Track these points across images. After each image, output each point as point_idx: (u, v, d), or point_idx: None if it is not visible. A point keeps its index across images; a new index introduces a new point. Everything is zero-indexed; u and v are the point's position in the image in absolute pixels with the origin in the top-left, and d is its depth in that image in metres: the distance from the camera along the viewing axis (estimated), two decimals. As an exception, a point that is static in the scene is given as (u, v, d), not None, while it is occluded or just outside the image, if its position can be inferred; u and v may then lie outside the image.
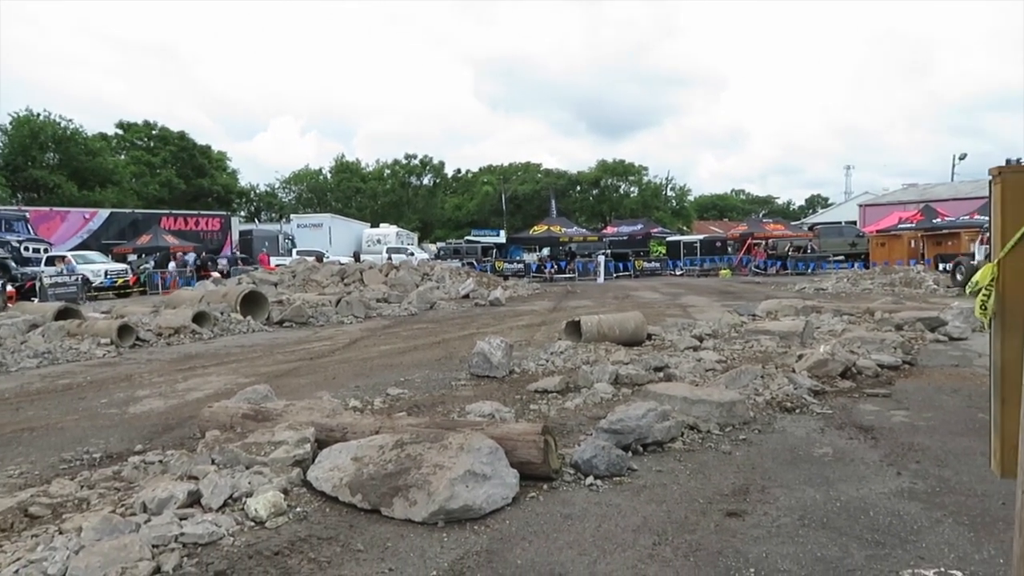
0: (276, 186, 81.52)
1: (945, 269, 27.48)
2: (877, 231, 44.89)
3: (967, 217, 38.73)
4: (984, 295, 2.23)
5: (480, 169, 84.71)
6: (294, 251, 46.09)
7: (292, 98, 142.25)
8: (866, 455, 5.61)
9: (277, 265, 35.35)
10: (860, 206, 63.08)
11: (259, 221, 70.36)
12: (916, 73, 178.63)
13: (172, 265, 35.07)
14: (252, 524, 4.28)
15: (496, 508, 4.48)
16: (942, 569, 3.63)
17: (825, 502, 4.61)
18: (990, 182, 2.17)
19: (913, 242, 38.46)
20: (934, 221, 40.28)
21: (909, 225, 41.90)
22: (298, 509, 4.53)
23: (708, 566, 3.72)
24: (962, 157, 70.80)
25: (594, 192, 79.23)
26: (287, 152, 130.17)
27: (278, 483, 4.76)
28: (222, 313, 16.31)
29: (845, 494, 4.74)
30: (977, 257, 23.78)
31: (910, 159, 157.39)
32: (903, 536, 4.06)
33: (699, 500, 4.69)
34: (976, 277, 2.23)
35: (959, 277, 23.75)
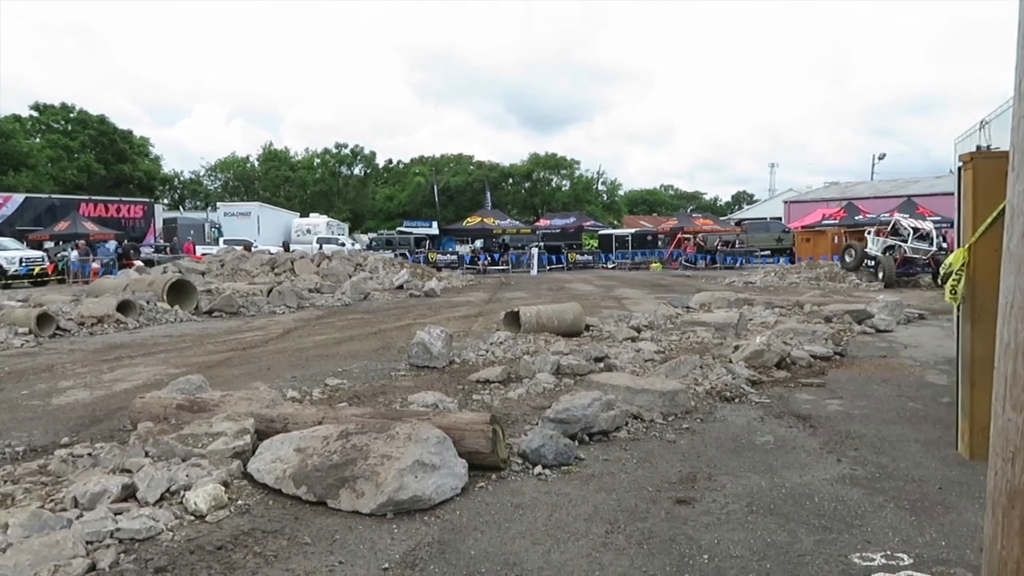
0: (201, 173, 79.51)
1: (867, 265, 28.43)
2: (802, 227, 46.09)
3: (887, 215, 40.07)
4: (954, 280, 2.25)
5: (412, 160, 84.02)
6: (221, 240, 44.97)
7: (217, 84, 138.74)
8: (806, 443, 5.72)
9: (204, 254, 34.41)
10: (785, 203, 64.64)
11: (184, 209, 68.49)
12: (837, 75, 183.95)
13: (75, 254, 32.43)
14: (192, 518, 4.11)
15: (446, 498, 4.41)
16: (888, 552, 3.71)
17: (771, 489, 4.67)
18: (959, 168, 2.19)
19: (836, 238, 39.54)
20: (856, 218, 41.60)
21: (832, 221, 43.17)
22: (240, 502, 4.38)
23: (662, 553, 3.72)
24: (881, 157, 73.59)
25: (526, 185, 79.39)
26: (212, 139, 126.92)
27: (218, 476, 4.59)
28: (148, 302, 15.79)
29: (789, 481, 4.81)
30: (871, 249, 25.57)
31: (831, 158, 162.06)
32: (848, 521, 4.14)
33: (648, 488, 4.70)
34: (948, 260, 2.25)
35: (848, 260, 26.53)
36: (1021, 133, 1.78)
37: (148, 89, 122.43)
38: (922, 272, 24.38)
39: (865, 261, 25.91)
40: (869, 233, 27.25)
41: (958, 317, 2.28)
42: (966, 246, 2.20)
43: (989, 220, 2.15)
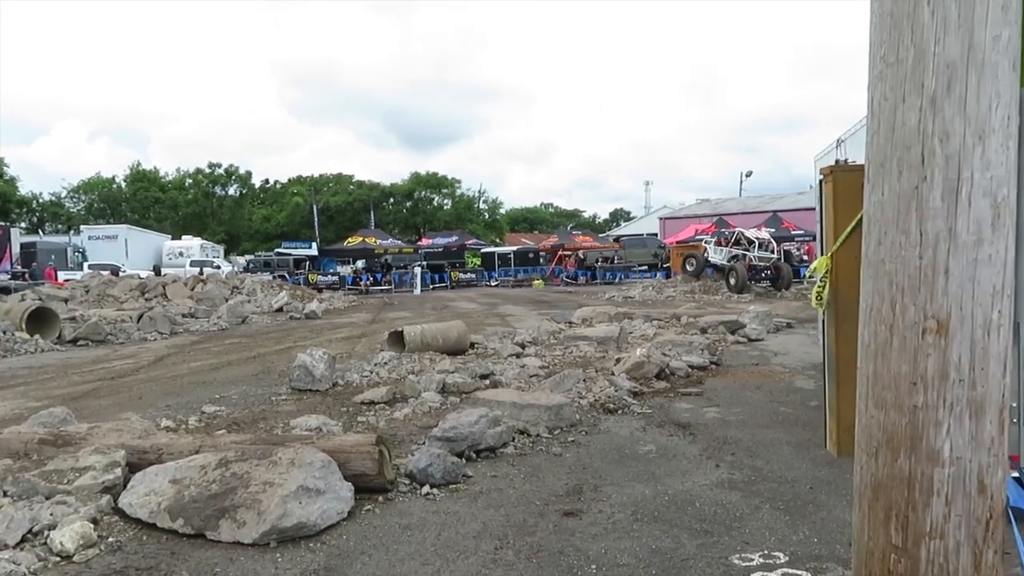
0: (63, 195, 75.31)
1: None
2: (677, 242, 47.67)
3: (755, 229, 41.99)
4: (819, 286, 2.37)
5: (289, 180, 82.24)
6: (85, 265, 42.67)
7: (78, 101, 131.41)
8: (686, 450, 5.89)
9: (66, 280, 32.55)
10: (660, 219, 66.88)
11: (43, 233, 64.62)
12: (706, 95, 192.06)
13: None
14: (58, 559, 3.86)
15: (332, 523, 4.30)
16: (766, 551, 3.85)
17: (654, 496, 4.78)
18: (820, 181, 2.33)
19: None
20: (726, 232, 43.33)
21: (705, 237, 44.83)
22: (111, 539, 4.14)
23: (551, 566, 3.75)
24: (748, 174, 77.15)
25: (408, 204, 79.07)
26: (74, 159, 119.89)
27: (86, 512, 4.33)
28: (4, 332, 14.79)
29: (672, 488, 4.94)
30: (713, 258, 28.65)
31: (703, 175, 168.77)
32: (728, 524, 4.28)
33: (536, 502, 4.73)
34: (813, 266, 2.37)
35: (689, 269, 29.81)
36: (874, 148, 1.90)
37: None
38: (765, 279, 26.62)
39: (706, 269, 28.70)
40: (708, 244, 30.04)
41: (823, 321, 2.41)
42: (829, 254, 2.34)
43: (849, 229, 2.28)
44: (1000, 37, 1.75)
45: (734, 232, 30.11)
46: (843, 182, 2.27)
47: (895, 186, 1.83)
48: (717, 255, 28.51)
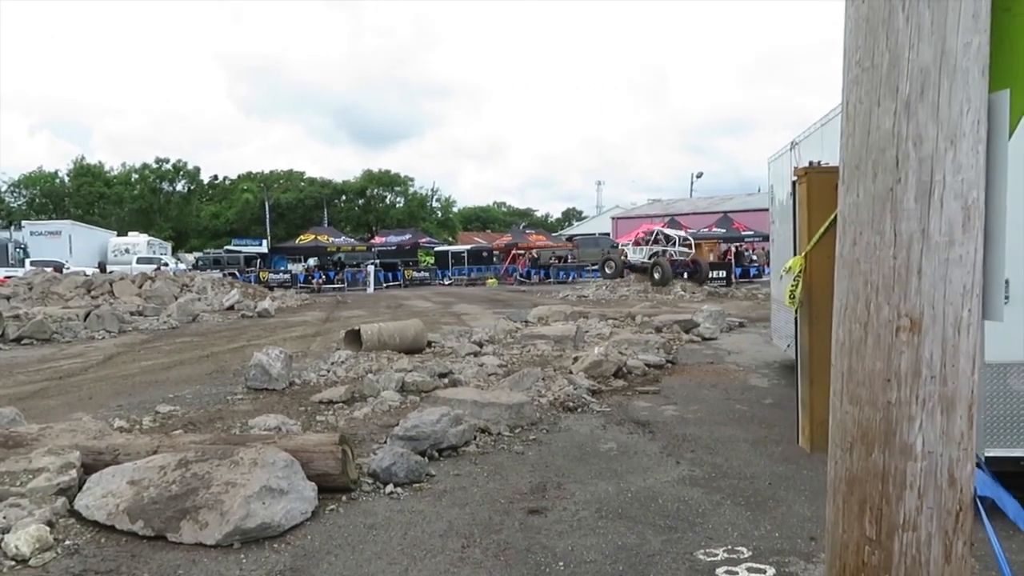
0: (2, 189, 73.05)
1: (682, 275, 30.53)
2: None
3: (706, 229, 42.62)
4: (792, 285, 2.42)
5: (239, 176, 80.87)
6: (27, 261, 41.47)
7: (15, 93, 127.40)
8: (647, 447, 5.96)
9: (7, 277, 31.62)
10: (612, 219, 67.35)
11: (-18, 228, 62.69)
12: (657, 95, 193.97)
13: None
14: (12, 563, 3.77)
15: (296, 523, 4.27)
16: (729, 546, 3.92)
17: (617, 494, 4.83)
18: (794, 182, 2.37)
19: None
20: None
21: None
22: (68, 542, 4.06)
23: (519, 564, 3.76)
24: (699, 175, 78.33)
25: (360, 202, 78.42)
26: (13, 152, 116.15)
27: (40, 515, 4.23)
28: (-56, 331, 14.33)
29: (634, 485, 5.00)
30: (633, 259, 30.24)
31: (654, 175, 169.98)
32: (691, 520, 4.34)
33: (500, 500, 4.74)
34: (787, 265, 2.42)
35: (608, 271, 30.81)
36: (849, 151, 1.95)
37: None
38: (682, 273, 28.33)
39: (624, 270, 29.97)
40: (627, 246, 31.71)
41: (796, 319, 2.47)
42: (803, 254, 2.39)
43: (822, 229, 2.33)
44: (971, 44, 1.81)
45: (653, 232, 31.79)
46: (817, 183, 2.33)
47: (870, 188, 1.88)
48: (637, 255, 30.20)
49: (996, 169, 1.90)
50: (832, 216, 2.12)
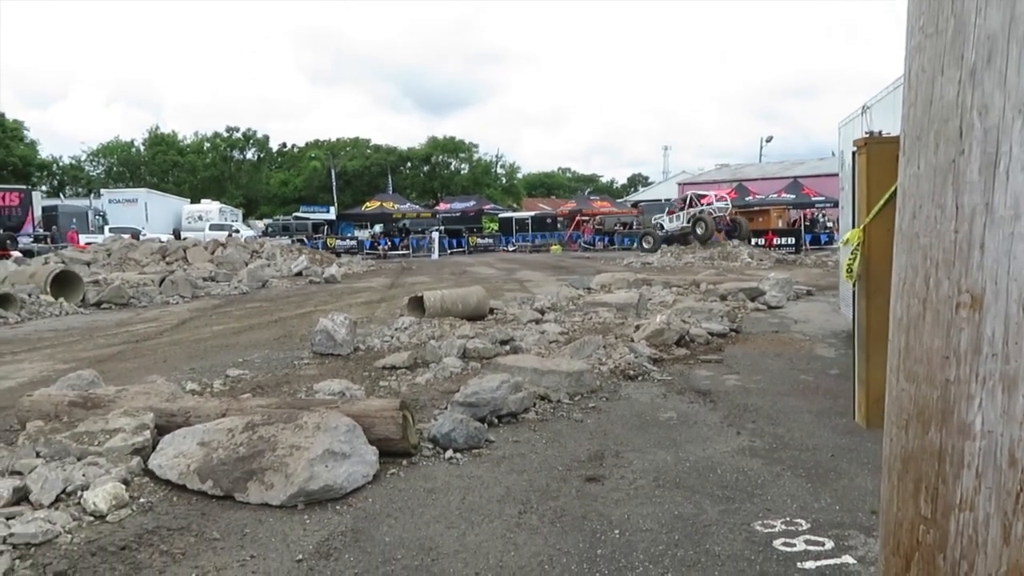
0: (83, 159, 75.48)
1: (757, 244, 30.08)
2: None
3: (775, 195, 41.76)
4: (850, 258, 2.37)
5: (307, 144, 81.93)
6: (106, 228, 42.96)
7: (93, 65, 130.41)
8: (707, 417, 5.92)
9: (88, 243, 32.81)
10: (679, 184, 66.30)
11: (64, 196, 64.97)
12: (725, 58, 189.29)
13: None
14: (92, 519, 3.96)
15: (357, 487, 4.38)
16: (788, 518, 3.89)
17: (676, 463, 4.82)
18: (854, 153, 2.31)
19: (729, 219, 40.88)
20: (746, 199, 43.01)
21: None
22: (142, 500, 4.24)
23: (575, 531, 3.80)
24: (768, 140, 76.69)
25: (425, 168, 78.79)
26: (90, 123, 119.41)
27: (117, 474, 4.43)
28: (30, 295, 14.97)
29: (693, 454, 4.98)
30: (668, 227, 31.52)
31: (721, 140, 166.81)
32: (749, 491, 4.32)
33: (558, 467, 4.78)
34: (845, 237, 2.37)
35: (646, 246, 31.64)
36: (911, 121, 1.89)
37: (15, 71, 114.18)
38: (723, 228, 29.83)
39: (662, 243, 30.92)
40: (660, 217, 33.11)
41: (854, 293, 2.42)
42: (861, 226, 2.33)
43: (882, 202, 2.27)
44: (1043, 8, 1.73)
45: (686, 196, 33.42)
46: (877, 154, 2.26)
47: (931, 159, 1.82)
48: (674, 223, 31.56)
49: (1068, 139, 1.82)
50: (892, 188, 2.06)
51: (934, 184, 1.82)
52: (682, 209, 31.66)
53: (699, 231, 28.47)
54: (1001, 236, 1.74)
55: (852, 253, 2.36)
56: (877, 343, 2.30)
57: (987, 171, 1.74)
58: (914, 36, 1.89)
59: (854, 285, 2.51)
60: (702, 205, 30.98)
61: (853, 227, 2.37)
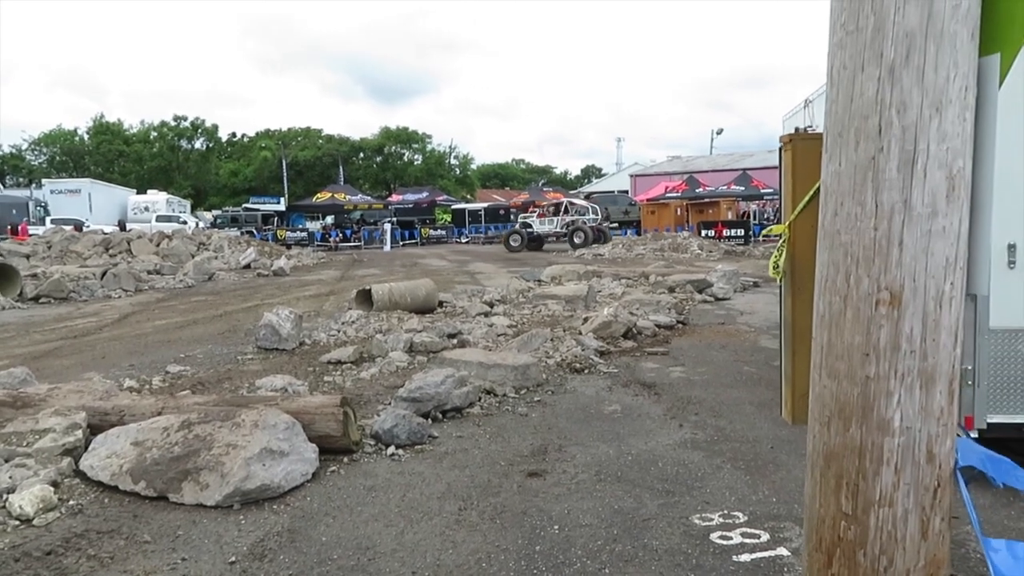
0: (24, 148, 73.29)
1: (708, 236, 30.47)
2: (647, 200, 47.70)
3: (725, 187, 42.25)
4: (776, 255, 2.37)
5: (257, 133, 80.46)
6: (48, 219, 41.78)
7: (34, 51, 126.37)
8: (651, 410, 5.95)
9: (28, 234, 31.92)
10: (631, 176, 66.70)
11: (4, 186, 63.09)
12: (677, 50, 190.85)
13: None
14: (17, 523, 3.83)
15: (296, 485, 4.31)
16: (725, 511, 3.92)
17: (618, 456, 4.83)
18: (780, 148, 2.31)
19: (679, 210, 41.24)
20: (696, 191, 43.45)
21: (675, 194, 44.90)
22: (71, 502, 4.12)
23: (514, 527, 3.78)
24: (719, 132, 77.34)
25: (378, 159, 78.08)
26: (31, 111, 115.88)
27: (46, 475, 4.29)
28: (-37, 289, 14.50)
29: (635, 448, 5.00)
30: (538, 228, 33.53)
31: (674, 132, 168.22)
32: (689, 484, 4.34)
33: (500, 463, 4.76)
34: (768, 228, 2.37)
35: (514, 244, 32.53)
36: (833, 118, 1.89)
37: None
38: (594, 236, 31.90)
39: (530, 241, 32.75)
40: (530, 218, 34.99)
41: (781, 290, 2.43)
42: (786, 223, 2.34)
43: (807, 199, 2.28)
44: (959, 6, 1.73)
45: (561, 202, 35.91)
46: (802, 151, 2.26)
47: (852, 157, 1.82)
48: (545, 226, 33.70)
49: (985, 137, 1.83)
50: (816, 185, 2.06)
51: (855, 181, 1.82)
52: (556, 215, 34.15)
53: (577, 240, 31.15)
54: (919, 233, 1.75)
55: (778, 250, 2.37)
56: (802, 340, 2.31)
57: (905, 168, 1.75)
58: (836, 33, 1.89)
59: (780, 282, 2.52)
60: (574, 215, 34.04)
61: (780, 223, 2.39)
